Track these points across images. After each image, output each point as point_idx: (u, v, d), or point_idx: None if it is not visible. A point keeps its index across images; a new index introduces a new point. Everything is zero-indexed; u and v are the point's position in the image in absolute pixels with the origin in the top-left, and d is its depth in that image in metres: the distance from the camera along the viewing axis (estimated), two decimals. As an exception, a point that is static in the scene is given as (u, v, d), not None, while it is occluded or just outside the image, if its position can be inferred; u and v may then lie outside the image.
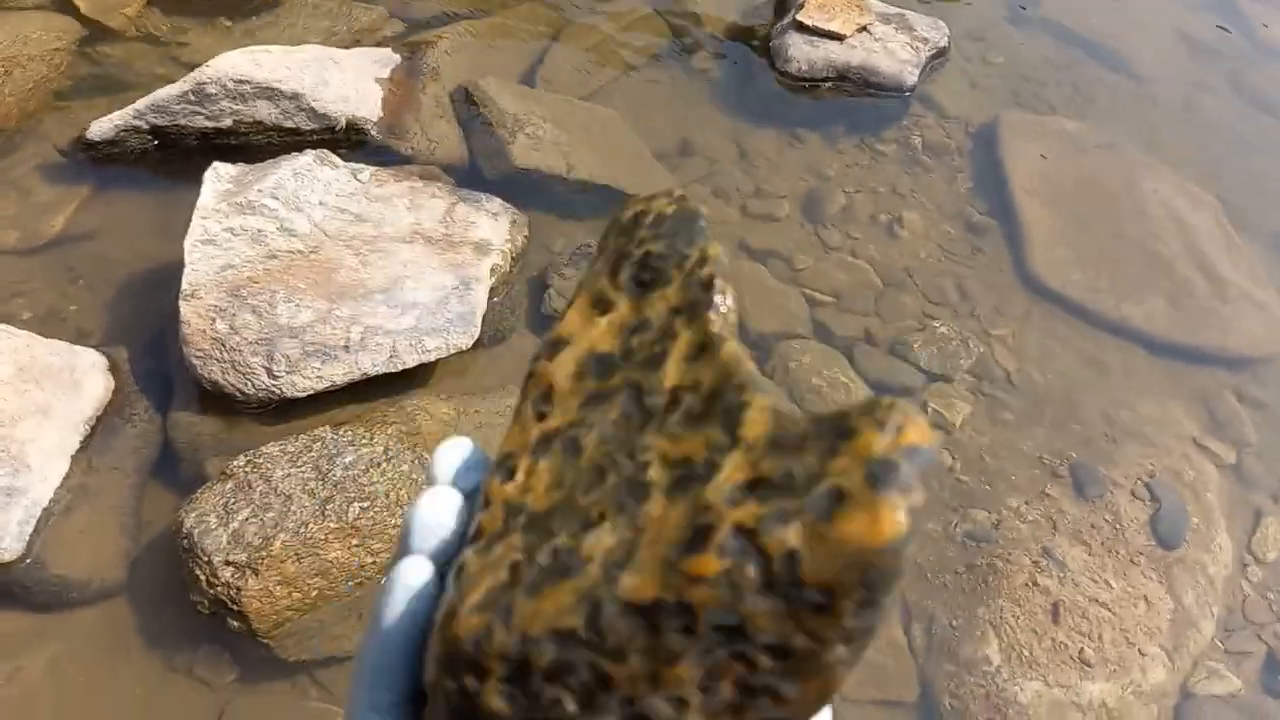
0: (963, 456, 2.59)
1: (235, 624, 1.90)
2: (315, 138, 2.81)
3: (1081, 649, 2.21)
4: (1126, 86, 3.85)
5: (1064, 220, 3.19)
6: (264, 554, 1.89)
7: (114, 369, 2.26)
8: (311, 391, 2.23)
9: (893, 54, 3.47)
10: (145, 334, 2.44)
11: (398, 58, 3.10)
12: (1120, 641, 2.24)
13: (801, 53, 3.42)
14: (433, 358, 2.33)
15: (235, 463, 2.04)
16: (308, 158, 2.52)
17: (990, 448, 2.62)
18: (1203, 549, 2.45)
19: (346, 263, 2.37)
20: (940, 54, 3.65)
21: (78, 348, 2.24)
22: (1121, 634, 2.25)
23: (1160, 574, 2.38)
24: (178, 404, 2.26)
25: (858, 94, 3.48)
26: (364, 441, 2.10)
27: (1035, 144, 3.40)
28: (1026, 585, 2.30)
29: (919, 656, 2.26)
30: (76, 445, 2.10)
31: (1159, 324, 2.96)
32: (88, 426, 2.14)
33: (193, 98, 2.66)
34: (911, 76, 3.46)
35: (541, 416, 0.47)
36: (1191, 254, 3.15)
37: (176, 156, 2.76)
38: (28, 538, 1.96)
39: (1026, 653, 2.20)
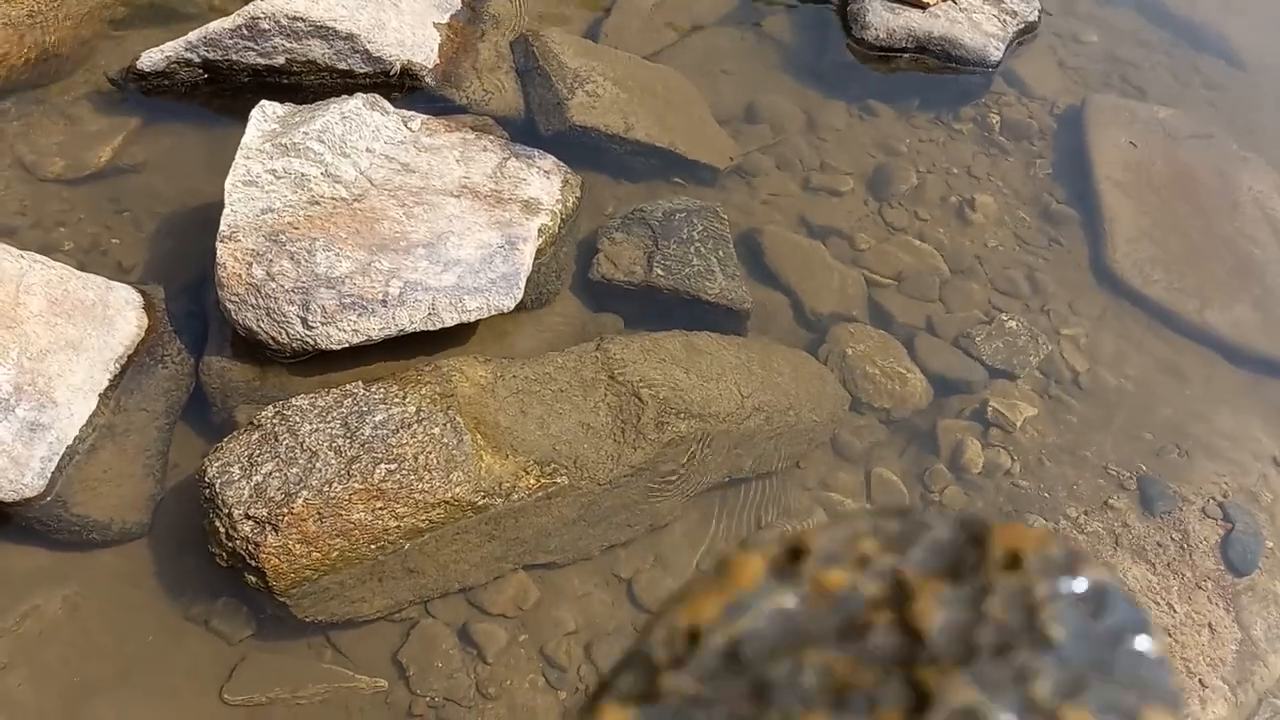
0: (1022, 459, 2.45)
1: (252, 579, 1.84)
2: (369, 81, 2.72)
3: (1136, 674, 2.07)
4: (1228, 73, 3.60)
5: (1150, 214, 2.99)
6: (285, 510, 1.83)
7: (149, 307, 2.21)
8: (346, 344, 2.15)
9: (978, 26, 3.28)
10: (185, 273, 2.39)
11: (458, 3, 2.98)
12: (1179, 670, 2.10)
13: (880, 19, 3.24)
14: (473, 318, 2.24)
15: (264, 413, 1.98)
16: (357, 101, 2.43)
17: (1052, 452, 2.47)
18: (1276, 577, 2.29)
19: (390, 214, 2.28)
20: (1029, 29, 3.45)
21: (113, 283, 2.19)
22: (1181, 662, 2.11)
23: (1228, 601, 2.23)
24: (211, 348, 2.21)
25: (937, 67, 3.29)
26: (396, 400, 2.02)
27: (1124, 130, 3.19)
28: (1081, 601, 2.16)
29: (959, 666, 2.13)
30: (105, 383, 2.05)
31: (1245, 332, 2.76)
32: (118, 365, 2.09)
33: (246, 32, 2.58)
34: (996, 51, 3.26)
35: None
36: (1287, 259, 2.94)
37: (227, 93, 2.69)
38: (50, 475, 1.92)
39: (1076, 673, 2.07)
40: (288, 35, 2.62)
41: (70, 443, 1.96)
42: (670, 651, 0.42)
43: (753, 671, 0.41)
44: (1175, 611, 2.16)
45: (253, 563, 1.82)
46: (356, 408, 1.99)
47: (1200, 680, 2.09)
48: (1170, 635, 2.13)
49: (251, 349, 2.18)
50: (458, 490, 1.95)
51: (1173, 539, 2.29)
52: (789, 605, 0.43)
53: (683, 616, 0.43)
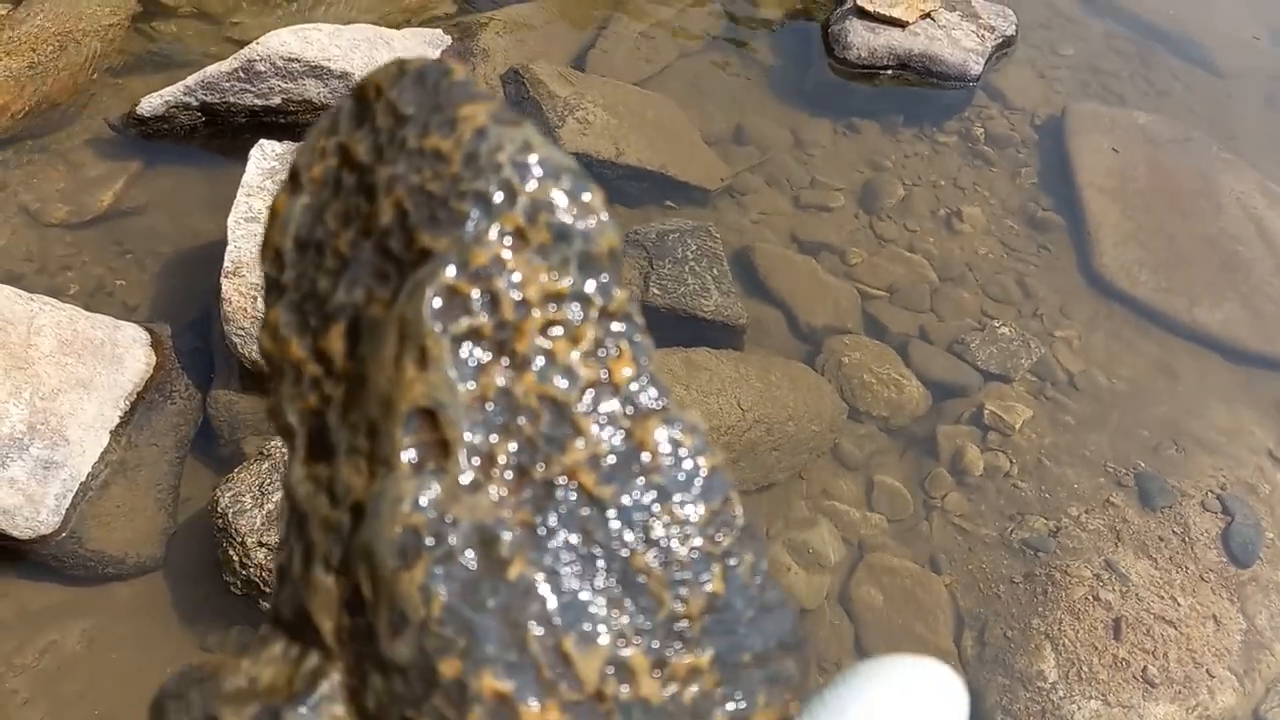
0: (1021, 461, 2.48)
1: (268, 606, 1.86)
2: (364, 117, 2.77)
3: (1145, 667, 2.10)
4: (1204, 79, 3.68)
5: (1134, 218, 3.04)
6: (298, 536, 1.86)
7: (156, 344, 2.25)
8: (351, 373, 2.19)
9: (957, 42, 3.35)
10: (189, 310, 2.43)
11: (448, 39, 3.05)
12: (1187, 661, 2.12)
13: (861, 39, 3.31)
14: (475, 342, 2.27)
15: (273, 443, 2.01)
16: (354, 136, 2.48)
17: (1051, 453, 2.50)
18: (1278, 567, 2.31)
19: (390, 243, 2.33)
20: (1007, 43, 3.52)
21: (120, 322, 2.22)
22: (1188, 654, 2.13)
23: (1232, 592, 2.25)
24: (218, 382, 2.24)
25: (919, 83, 3.36)
26: (402, 425, 2.05)
27: (1105, 137, 3.26)
28: (1087, 598, 2.19)
29: (969, 667, 2.16)
30: (116, 420, 2.08)
31: (1234, 329, 2.81)
32: (128, 402, 2.12)
33: (242, 75, 2.64)
34: (976, 66, 3.34)
35: None
36: (1272, 256, 2.99)
37: (225, 133, 2.74)
38: (65, 511, 1.95)
39: (1085, 669, 2.09)
40: (283, 76, 2.68)
41: (83, 479, 1.99)
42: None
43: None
44: (1180, 604, 2.19)
45: (268, 590, 1.85)
46: (364, 434, 2.02)
47: (1208, 671, 2.11)
48: (1176, 628, 2.15)
49: (258, 381, 2.21)
50: (467, 511, 1.97)
51: (1174, 533, 2.32)
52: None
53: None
